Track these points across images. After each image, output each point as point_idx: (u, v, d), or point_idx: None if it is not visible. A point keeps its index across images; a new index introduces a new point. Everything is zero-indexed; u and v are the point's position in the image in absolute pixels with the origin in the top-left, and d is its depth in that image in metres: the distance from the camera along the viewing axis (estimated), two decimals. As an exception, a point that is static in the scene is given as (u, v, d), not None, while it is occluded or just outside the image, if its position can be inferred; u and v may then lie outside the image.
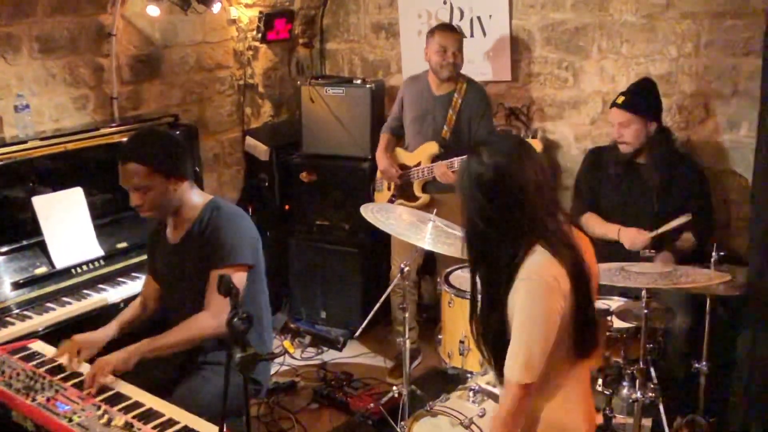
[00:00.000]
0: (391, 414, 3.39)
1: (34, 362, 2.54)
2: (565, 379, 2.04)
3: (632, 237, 3.38)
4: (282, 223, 4.70)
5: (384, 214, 3.15)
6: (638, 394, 2.78)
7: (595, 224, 3.56)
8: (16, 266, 3.17)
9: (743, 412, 2.97)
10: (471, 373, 3.03)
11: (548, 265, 1.92)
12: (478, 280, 2.08)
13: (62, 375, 2.45)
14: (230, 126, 4.72)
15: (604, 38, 4.07)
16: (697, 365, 3.06)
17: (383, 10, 4.84)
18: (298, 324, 4.57)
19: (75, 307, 3.13)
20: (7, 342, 2.78)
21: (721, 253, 2.92)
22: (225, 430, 1.99)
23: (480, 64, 4.37)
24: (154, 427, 2.11)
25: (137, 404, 2.24)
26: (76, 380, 2.40)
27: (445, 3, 4.49)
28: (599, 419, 2.88)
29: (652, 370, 2.96)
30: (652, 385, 2.85)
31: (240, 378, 1.94)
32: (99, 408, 2.21)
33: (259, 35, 4.62)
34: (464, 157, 2.10)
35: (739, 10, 3.65)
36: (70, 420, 2.14)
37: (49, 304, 3.12)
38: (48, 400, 2.26)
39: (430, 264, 4.23)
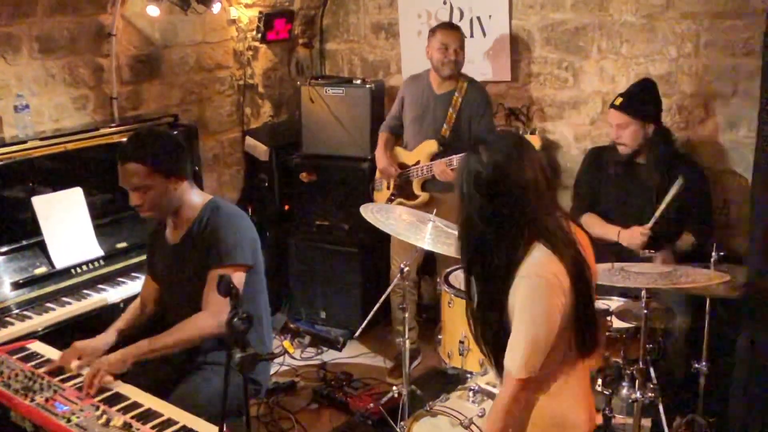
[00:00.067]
0: (391, 414, 3.39)
1: (33, 363, 2.54)
2: (567, 377, 2.04)
3: (631, 236, 3.38)
4: (282, 223, 4.70)
5: (384, 214, 3.15)
6: (638, 394, 2.78)
7: (595, 225, 3.56)
8: (16, 266, 3.17)
9: (743, 412, 2.97)
10: (471, 373, 3.02)
11: (548, 262, 1.93)
12: (473, 279, 2.08)
13: (61, 376, 2.45)
14: (230, 126, 4.72)
15: (604, 38, 4.07)
16: (696, 365, 3.05)
17: (383, 11, 4.84)
18: (298, 324, 4.57)
19: (75, 307, 3.13)
20: (7, 342, 2.78)
21: (721, 253, 2.92)
22: (225, 430, 1.99)
23: (480, 64, 4.37)
24: (152, 427, 2.11)
25: (136, 404, 2.24)
26: (74, 381, 2.40)
27: (444, 3, 4.49)
28: (599, 419, 2.88)
29: (651, 370, 2.96)
30: (651, 385, 2.85)
31: (240, 378, 1.94)
32: (98, 408, 2.21)
33: (259, 35, 4.62)
34: (463, 155, 2.09)
35: (738, 11, 3.65)
36: (69, 420, 2.14)
37: (48, 304, 3.12)
38: (47, 400, 2.26)
39: (430, 264, 4.24)
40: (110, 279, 3.37)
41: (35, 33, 3.54)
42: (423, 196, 3.95)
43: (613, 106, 3.49)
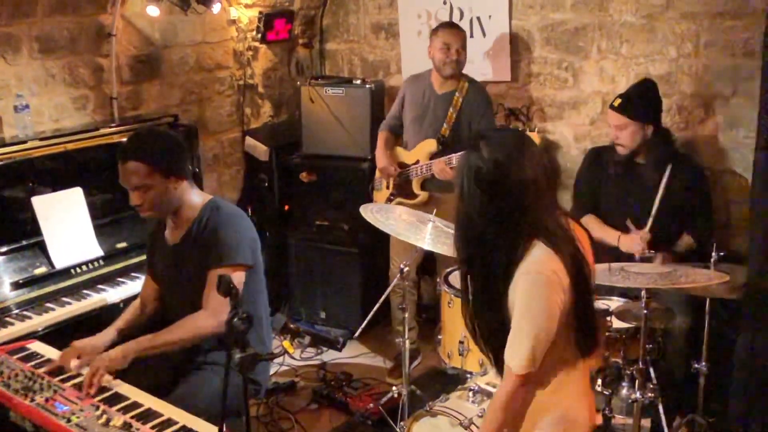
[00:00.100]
0: (391, 414, 3.39)
1: (33, 363, 2.54)
2: (568, 374, 2.04)
3: (631, 241, 3.37)
4: (282, 224, 4.70)
5: (384, 215, 3.15)
6: (637, 395, 2.78)
7: (595, 228, 3.54)
8: (16, 266, 3.17)
9: (743, 412, 2.97)
10: (470, 373, 3.02)
11: (548, 259, 1.93)
12: (467, 279, 2.07)
13: (61, 376, 2.45)
14: (230, 126, 4.72)
15: (604, 38, 4.07)
16: (696, 365, 3.05)
17: (383, 11, 4.84)
18: (298, 324, 4.57)
19: (74, 307, 3.13)
20: (7, 342, 2.78)
21: (721, 253, 2.92)
22: (224, 430, 1.99)
23: (480, 64, 4.37)
24: (152, 427, 2.11)
25: (136, 404, 2.24)
26: (74, 381, 2.40)
27: (444, 3, 4.49)
28: (599, 419, 2.88)
29: (651, 370, 2.97)
30: (651, 386, 2.85)
31: (239, 378, 1.94)
32: (98, 408, 2.21)
33: (259, 35, 4.62)
34: (463, 152, 2.09)
35: (738, 11, 3.65)
36: (69, 420, 2.14)
37: (48, 304, 3.12)
38: (47, 400, 2.26)
39: (429, 264, 4.24)
40: (110, 279, 3.37)
41: (35, 33, 3.54)
42: (422, 195, 3.95)
43: (611, 107, 3.49)
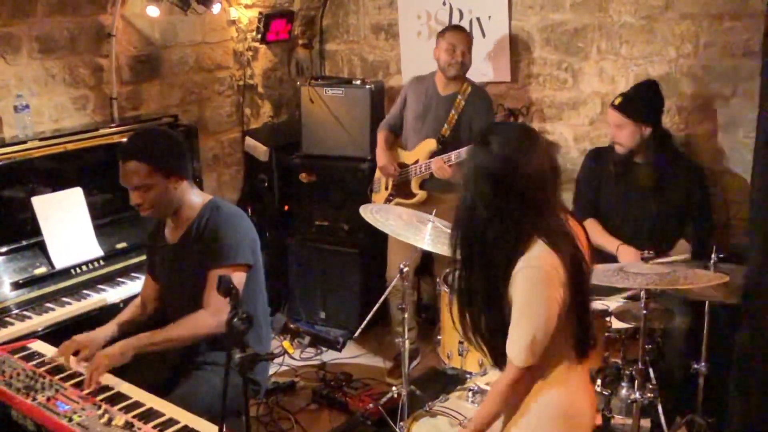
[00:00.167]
0: (391, 414, 3.39)
1: (34, 362, 2.54)
2: (569, 369, 2.05)
3: (629, 258, 3.36)
4: (281, 224, 4.70)
5: (383, 215, 3.16)
6: (637, 395, 2.78)
7: (595, 233, 3.51)
8: (16, 266, 3.17)
9: (742, 413, 2.97)
10: (470, 373, 3.02)
11: (546, 256, 1.94)
12: (465, 275, 2.07)
13: (62, 375, 2.45)
14: (230, 126, 4.72)
15: (604, 39, 4.07)
16: (695, 366, 3.05)
17: (383, 11, 4.84)
18: (298, 324, 4.55)
19: (74, 308, 3.13)
20: (7, 342, 2.78)
21: (721, 255, 2.92)
22: (225, 430, 1.99)
23: (480, 65, 4.37)
24: (154, 427, 2.12)
25: (137, 404, 2.25)
26: (76, 380, 2.40)
27: (444, 4, 4.50)
28: (598, 419, 2.88)
29: (650, 370, 2.96)
30: (650, 386, 2.85)
31: (239, 378, 1.94)
32: (99, 407, 2.21)
33: (259, 36, 4.62)
34: (462, 150, 2.09)
35: (738, 12, 3.66)
36: (70, 419, 2.14)
37: (48, 305, 3.12)
38: (48, 399, 2.26)
39: (428, 264, 4.24)
40: (110, 279, 3.37)
41: (35, 33, 3.54)
42: (420, 195, 3.95)
43: (612, 105, 3.50)
